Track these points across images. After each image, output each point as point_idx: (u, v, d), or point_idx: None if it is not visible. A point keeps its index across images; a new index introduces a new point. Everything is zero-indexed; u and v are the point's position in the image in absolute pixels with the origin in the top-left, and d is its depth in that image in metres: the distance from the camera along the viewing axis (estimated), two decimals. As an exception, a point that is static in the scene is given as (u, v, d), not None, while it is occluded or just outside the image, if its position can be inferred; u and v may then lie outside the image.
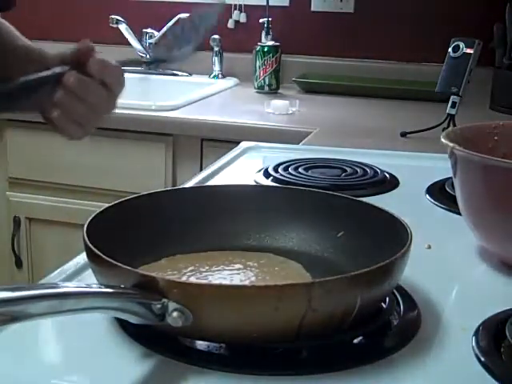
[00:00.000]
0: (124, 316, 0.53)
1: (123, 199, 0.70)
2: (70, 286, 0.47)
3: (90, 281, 0.67)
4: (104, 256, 0.56)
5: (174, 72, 2.23)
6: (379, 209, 0.69)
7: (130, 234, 0.68)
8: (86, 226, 0.61)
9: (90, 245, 0.57)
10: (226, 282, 0.65)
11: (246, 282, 0.64)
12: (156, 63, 0.89)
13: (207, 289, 0.54)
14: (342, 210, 0.72)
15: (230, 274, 0.66)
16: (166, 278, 0.56)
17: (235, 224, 0.73)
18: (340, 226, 0.71)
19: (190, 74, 2.21)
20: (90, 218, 0.63)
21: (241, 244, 0.73)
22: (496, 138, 0.85)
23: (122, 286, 0.53)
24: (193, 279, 0.64)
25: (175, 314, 0.51)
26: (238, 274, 0.66)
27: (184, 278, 0.64)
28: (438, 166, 1.00)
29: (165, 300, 0.51)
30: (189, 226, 0.72)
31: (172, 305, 0.51)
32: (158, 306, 0.52)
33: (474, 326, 0.60)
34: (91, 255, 0.58)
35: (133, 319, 0.53)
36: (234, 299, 0.52)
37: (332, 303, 0.54)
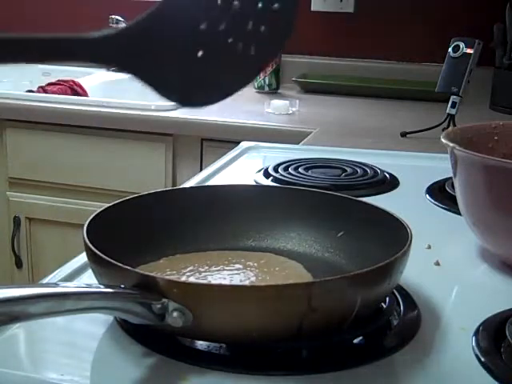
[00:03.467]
0: (124, 316, 0.53)
1: (123, 199, 0.70)
2: (70, 286, 0.46)
3: (89, 281, 0.67)
4: (104, 256, 0.56)
5: (174, 72, 2.22)
6: (379, 209, 0.69)
7: (130, 233, 0.68)
8: (85, 225, 0.61)
9: (90, 244, 0.57)
10: (226, 282, 0.64)
11: (246, 283, 0.64)
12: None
13: (207, 289, 0.54)
14: (342, 209, 0.72)
15: (229, 274, 0.66)
16: (166, 277, 0.56)
17: (235, 224, 0.73)
18: (340, 226, 0.71)
19: (190, 74, 2.21)
20: (90, 218, 0.63)
21: (241, 244, 0.73)
22: (496, 137, 0.85)
23: (122, 286, 0.53)
24: (192, 279, 0.64)
25: (175, 314, 0.51)
26: (238, 274, 0.66)
27: (183, 278, 0.64)
28: (438, 166, 1.00)
29: (165, 300, 0.51)
30: (189, 225, 0.72)
31: (172, 305, 0.51)
32: (158, 306, 0.51)
33: (473, 326, 0.60)
34: (91, 255, 0.58)
35: (133, 319, 0.53)
36: (234, 299, 0.52)
37: (332, 303, 0.54)
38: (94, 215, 0.64)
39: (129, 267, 0.54)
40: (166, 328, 0.52)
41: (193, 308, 0.51)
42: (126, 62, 0.49)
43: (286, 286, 0.53)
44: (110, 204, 0.68)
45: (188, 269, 0.66)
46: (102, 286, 0.54)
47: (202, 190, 0.82)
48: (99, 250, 0.56)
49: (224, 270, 0.67)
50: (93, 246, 0.57)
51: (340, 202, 0.73)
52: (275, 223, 0.74)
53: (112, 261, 0.55)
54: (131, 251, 0.64)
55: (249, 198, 0.75)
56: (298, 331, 0.53)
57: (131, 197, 0.71)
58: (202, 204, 0.74)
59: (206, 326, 0.53)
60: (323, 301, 0.53)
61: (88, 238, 0.59)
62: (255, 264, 0.68)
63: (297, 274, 0.67)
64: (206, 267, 0.67)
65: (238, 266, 0.68)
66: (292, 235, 0.73)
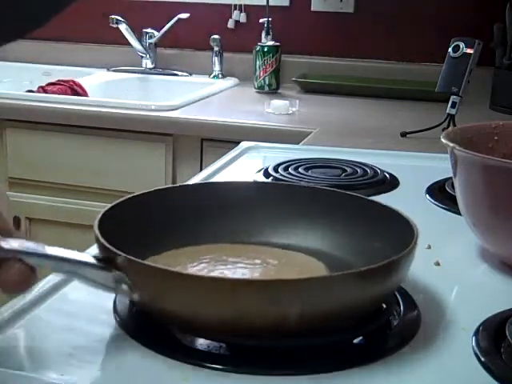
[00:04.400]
0: (84, 281, 0.57)
1: (138, 193, 0.71)
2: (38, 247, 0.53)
3: (90, 281, 0.67)
4: (103, 240, 0.58)
5: (174, 72, 2.23)
6: (395, 211, 0.68)
7: (152, 227, 0.69)
8: (98, 219, 0.62)
9: (99, 235, 0.59)
10: (229, 273, 0.65)
11: (246, 276, 0.65)
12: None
13: (143, 267, 0.56)
14: (361, 210, 0.71)
15: (233, 267, 0.67)
16: (124, 255, 0.56)
17: (253, 220, 0.74)
18: (359, 226, 0.71)
19: (190, 74, 2.22)
20: (103, 212, 0.64)
21: (253, 239, 0.73)
22: (496, 137, 0.85)
23: (93, 255, 0.57)
24: (195, 268, 0.66)
25: (124, 286, 0.56)
26: (246, 267, 0.67)
27: (199, 267, 0.66)
28: (438, 166, 1.00)
29: (120, 273, 0.56)
30: (206, 222, 0.73)
31: (123, 278, 0.56)
32: (113, 276, 0.56)
33: (473, 326, 0.60)
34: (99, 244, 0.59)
35: (93, 285, 0.57)
36: (179, 286, 0.54)
37: (300, 302, 0.54)
38: (106, 209, 0.65)
39: (109, 246, 0.57)
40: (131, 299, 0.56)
41: (133, 281, 0.56)
42: None
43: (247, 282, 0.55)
44: (125, 198, 0.69)
45: (207, 256, 0.68)
46: (68, 252, 0.57)
47: (218, 185, 0.83)
48: (114, 241, 0.57)
49: (241, 262, 0.68)
50: (105, 237, 0.58)
51: (356, 202, 0.73)
52: (297, 221, 0.74)
53: (105, 243, 0.57)
54: (147, 242, 0.67)
55: (263, 195, 0.76)
56: (259, 329, 0.54)
57: (145, 191, 0.72)
58: (222, 199, 0.75)
59: (156, 307, 0.56)
60: (296, 300, 0.53)
61: (100, 229, 0.60)
62: (275, 262, 0.68)
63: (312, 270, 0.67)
64: (225, 257, 0.68)
65: (257, 260, 0.68)
66: (316, 234, 0.73)
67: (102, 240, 0.58)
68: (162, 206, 0.72)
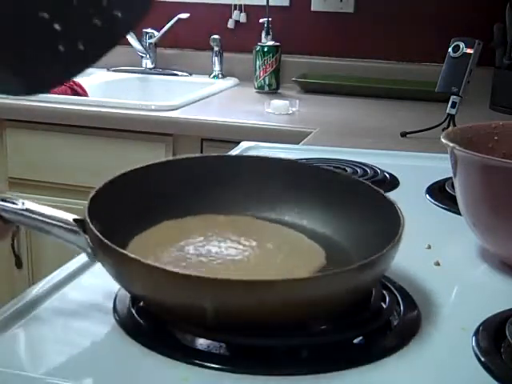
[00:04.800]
0: (61, 240, 0.64)
1: (148, 164, 0.80)
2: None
3: (89, 281, 0.68)
4: (88, 204, 0.63)
5: (174, 72, 2.23)
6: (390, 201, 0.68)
7: (162, 196, 0.77)
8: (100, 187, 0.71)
9: (88, 210, 0.63)
10: (213, 251, 0.67)
11: (229, 258, 0.66)
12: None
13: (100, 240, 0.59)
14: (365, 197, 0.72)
15: (234, 247, 0.68)
16: (88, 221, 0.61)
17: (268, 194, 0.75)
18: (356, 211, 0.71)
19: (190, 74, 2.22)
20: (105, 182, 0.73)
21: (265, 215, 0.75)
22: (496, 138, 0.85)
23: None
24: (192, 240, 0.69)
25: (89, 249, 0.62)
26: (236, 249, 0.68)
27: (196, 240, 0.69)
28: (438, 166, 1.00)
29: (86, 236, 0.62)
30: (220, 193, 0.75)
31: (88, 242, 0.62)
32: (83, 240, 0.63)
33: (473, 326, 0.60)
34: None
35: (68, 245, 0.64)
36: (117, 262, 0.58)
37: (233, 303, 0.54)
38: (108, 181, 0.74)
39: (86, 212, 0.63)
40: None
41: (93, 245, 0.62)
42: None
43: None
44: (127, 170, 0.78)
45: (213, 230, 0.71)
46: (45, 209, 0.67)
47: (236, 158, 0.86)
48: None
49: (238, 242, 0.69)
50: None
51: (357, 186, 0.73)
52: (314, 205, 0.75)
53: (86, 208, 0.63)
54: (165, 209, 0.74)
55: (278, 172, 0.77)
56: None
57: (154, 162, 0.81)
58: (244, 171, 0.77)
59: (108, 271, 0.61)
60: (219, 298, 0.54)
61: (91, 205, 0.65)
62: (270, 246, 0.69)
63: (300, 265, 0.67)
64: (227, 234, 0.70)
65: (253, 243, 0.69)
66: (318, 216, 0.74)
67: (87, 205, 0.64)
68: (168, 179, 0.79)
